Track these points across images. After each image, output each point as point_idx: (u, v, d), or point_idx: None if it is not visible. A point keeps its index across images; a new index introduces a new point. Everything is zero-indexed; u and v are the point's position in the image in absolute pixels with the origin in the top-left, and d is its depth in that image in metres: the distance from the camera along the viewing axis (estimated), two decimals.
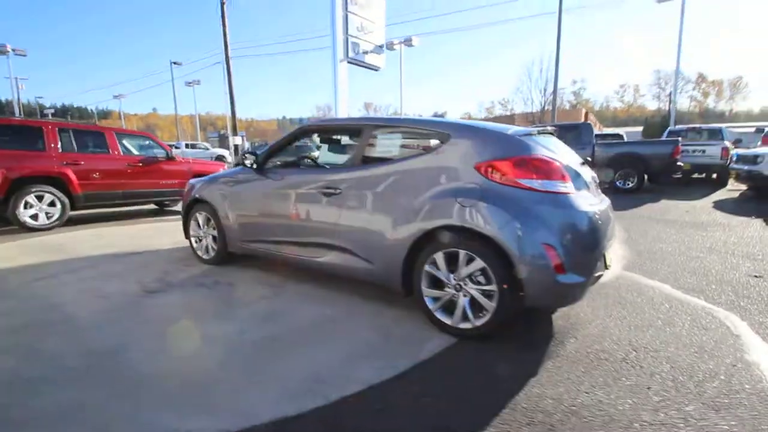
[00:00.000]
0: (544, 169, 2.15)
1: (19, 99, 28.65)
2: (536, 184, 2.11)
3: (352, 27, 16.56)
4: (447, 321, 2.29)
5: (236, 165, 4.70)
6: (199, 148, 26.51)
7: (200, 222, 3.78)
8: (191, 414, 1.63)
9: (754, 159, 7.44)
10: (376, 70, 18.56)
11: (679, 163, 8.89)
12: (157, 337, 2.33)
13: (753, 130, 13.69)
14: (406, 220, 2.38)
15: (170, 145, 7.94)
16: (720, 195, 8.60)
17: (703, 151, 9.65)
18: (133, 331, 2.39)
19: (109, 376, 1.91)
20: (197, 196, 3.77)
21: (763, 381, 1.84)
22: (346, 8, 16.31)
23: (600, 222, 2.20)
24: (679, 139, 9.20)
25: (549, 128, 2.66)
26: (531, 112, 29.32)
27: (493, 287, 2.11)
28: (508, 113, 38.96)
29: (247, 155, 3.21)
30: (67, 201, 5.70)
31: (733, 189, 9.33)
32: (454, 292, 2.26)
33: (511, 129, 2.38)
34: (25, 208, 5.35)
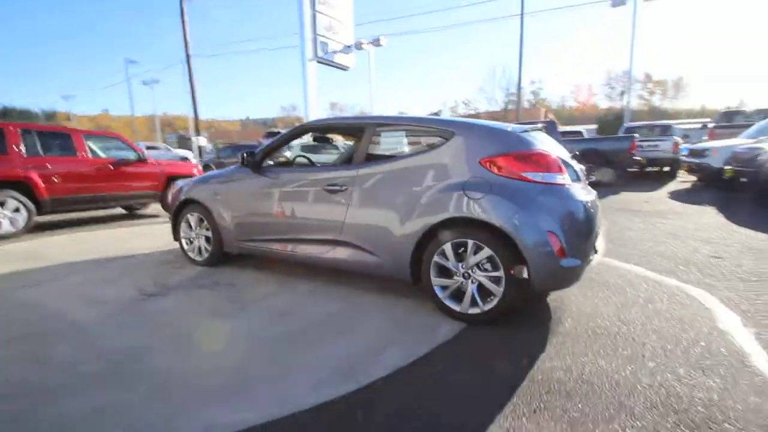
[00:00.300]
0: (544, 162, 2.33)
1: None
2: (538, 176, 2.29)
3: (321, 26, 16.57)
4: (456, 308, 2.43)
5: (205, 164, 4.64)
6: (160, 150, 25.41)
7: (192, 223, 3.72)
8: (231, 407, 1.67)
9: (702, 152, 8.15)
10: (346, 69, 18.65)
11: (636, 158, 9.56)
12: (172, 338, 2.32)
13: (699, 126, 14.89)
14: (414, 214, 2.50)
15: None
16: (673, 186, 9.34)
17: (656, 146, 10.42)
18: (144, 333, 2.37)
19: (133, 378, 1.91)
20: (188, 197, 3.71)
21: (735, 345, 2.11)
22: (314, 7, 16.27)
23: (592, 210, 2.42)
24: (636, 135, 9.90)
25: (539, 125, 2.86)
26: (495, 111, 30.27)
27: (500, 273, 2.27)
28: (472, 112, 40.08)
29: (245, 154, 3.21)
30: (33, 207, 5.38)
31: (684, 180, 10.15)
32: (462, 280, 2.40)
33: (510, 126, 2.56)
34: None
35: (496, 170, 2.34)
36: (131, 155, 6.63)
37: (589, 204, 2.42)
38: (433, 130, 2.67)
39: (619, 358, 2.00)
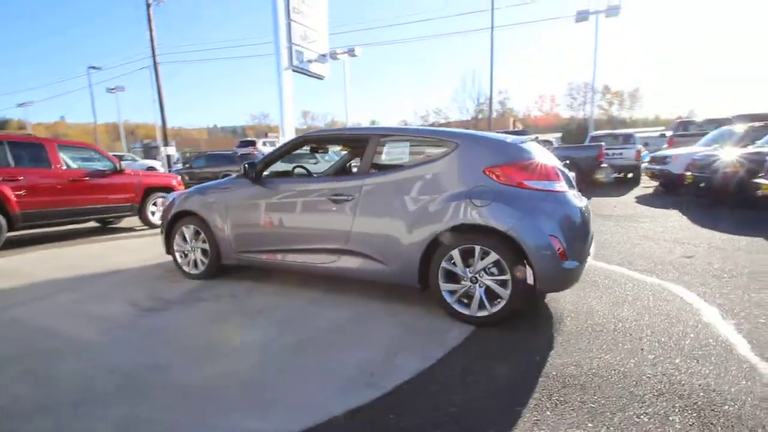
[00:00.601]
0: (543, 171, 2.49)
1: None
2: (538, 184, 2.45)
3: (296, 35, 16.50)
4: (465, 311, 2.53)
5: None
6: (126, 160, 24.41)
7: (187, 236, 3.66)
8: (260, 416, 1.69)
9: (663, 159, 8.74)
10: (321, 78, 18.62)
11: (603, 165, 10.11)
12: (183, 350, 2.29)
13: (657, 134, 15.92)
14: (422, 222, 2.60)
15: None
16: (637, 192, 9.92)
17: (621, 154, 11.06)
18: (152, 348, 2.33)
19: (153, 391, 1.88)
20: (183, 209, 3.65)
21: (720, 336, 2.31)
22: (289, 16, 16.26)
23: (587, 215, 2.60)
24: (603, 143, 10.48)
25: (532, 136, 3.04)
26: (466, 119, 31.10)
27: (507, 277, 2.39)
28: (443, 120, 40.96)
29: (245, 165, 3.21)
30: (3, 221, 5.10)
31: (647, 186, 10.80)
32: (470, 284, 2.51)
33: (509, 137, 2.71)
34: None
35: (499, 179, 2.48)
36: (107, 166, 6.40)
37: (584, 209, 2.59)
38: (437, 140, 2.79)
39: (621, 352, 2.15)
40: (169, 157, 22.62)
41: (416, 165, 2.75)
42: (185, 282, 3.60)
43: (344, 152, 4.47)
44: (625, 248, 4.42)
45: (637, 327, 2.46)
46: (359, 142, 3.18)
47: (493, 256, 2.41)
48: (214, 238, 3.47)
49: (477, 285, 2.49)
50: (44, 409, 1.75)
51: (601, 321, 2.56)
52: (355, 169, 4.89)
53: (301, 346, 2.33)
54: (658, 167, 8.93)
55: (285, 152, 3.33)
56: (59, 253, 5.02)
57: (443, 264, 2.56)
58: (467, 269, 2.51)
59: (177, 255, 3.76)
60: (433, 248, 2.59)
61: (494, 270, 2.45)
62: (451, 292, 2.58)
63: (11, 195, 5.16)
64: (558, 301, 2.90)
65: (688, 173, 7.40)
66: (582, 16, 15.99)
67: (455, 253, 2.52)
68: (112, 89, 27.35)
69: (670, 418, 1.62)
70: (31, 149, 5.56)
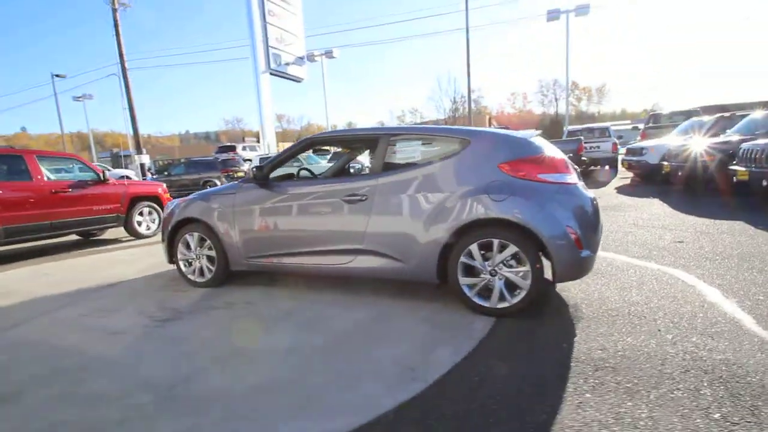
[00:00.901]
0: (555, 164, 2.59)
1: None
2: (552, 177, 2.54)
3: (272, 38, 16.41)
4: (485, 304, 2.59)
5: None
6: None
7: (191, 243, 3.59)
8: (313, 419, 1.70)
9: (640, 151, 9.12)
10: (299, 81, 18.56)
11: (583, 158, 10.46)
12: (214, 359, 2.26)
13: (630, 127, 16.59)
14: (439, 218, 2.64)
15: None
16: (616, 183, 10.30)
17: (598, 147, 11.48)
18: (180, 359, 2.28)
19: (195, 403, 1.85)
20: (186, 216, 3.58)
21: (727, 314, 2.46)
22: (264, 18, 16.09)
23: (597, 206, 2.71)
24: (582, 138, 10.84)
25: (538, 131, 3.14)
26: (443, 118, 31.47)
27: (526, 268, 2.47)
28: (419, 120, 41.37)
29: (253, 169, 3.18)
30: None
31: (624, 177, 11.23)
32: (489, 277, 2.57)
33: (519, 133, 2.79)
34: None
35: (515, 173, 2.55)
36: (91, 176, 6.18)
37: (594, 200, 2.70)
38: (448, 138, 2.84)
39: (641, 334, 2.26)
40: (142, 165, 21.91)
41: (429, 163, 2.79)
42: (191, 291, 3.53)
43: (335, 154, 4.47)
44: (618, 236, 4.60)
45: (648, 310, 2.58)
46: (369, 143, 3.20)
47: (512, 249, 2.49)
48: (222, 245, 3.42)
49: (496, 278, 2.56)
50: (88, 430, 1.70)
51: (614, 306, 2.67)
52: (352, 170, 4.90)
53: (333, 347, 2.33)
54: (635, 159, 9.31)
55: (292, 155, 3.31)
56: (48, 267, 4.82)
57: (462, 258, 2.61)
58: (486, 263, 2.57)
59: (181, 264, 3.68)
60: (451, 244, 2.64)
61: (513, 262, 2.52)
62: (470, 286, 2.64)
63: None
64: (569, 290, 3.00)
65: (666, 163, 7.75)
66: (553, 16, 16.49)
67: (474, 248, 2.57)
68: (79, 97, 26.25)
69: (701, 392, 1.72)
70: (10, 161, 5.32)
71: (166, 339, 2.57)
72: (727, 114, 8.34)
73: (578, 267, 2.51)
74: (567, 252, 2.43)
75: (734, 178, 5.71)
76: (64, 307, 3.26)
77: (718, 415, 1.58)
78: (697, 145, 6.97)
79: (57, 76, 24.02)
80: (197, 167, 13.64)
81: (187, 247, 3.63)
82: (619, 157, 11.60)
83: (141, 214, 6.79)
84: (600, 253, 3.91)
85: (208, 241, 3.49)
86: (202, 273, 3.59)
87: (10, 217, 5.10)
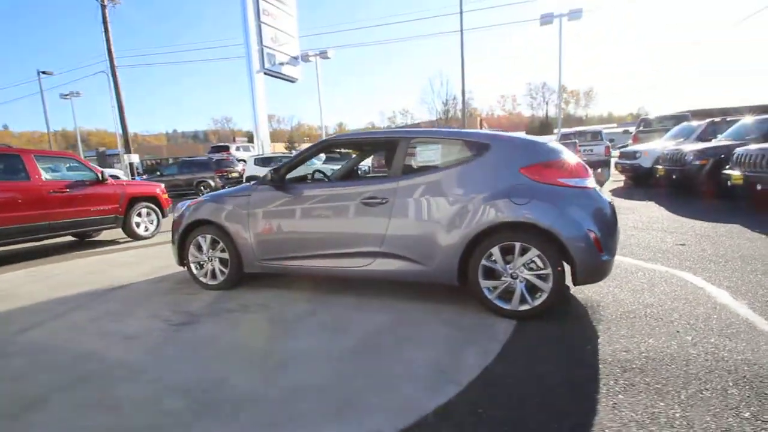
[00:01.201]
0: (575, 168, 2.64)
1: None
2: (572, 181, 2.58)
3: (266, 38, 16.32)
4: (506, 306, 2.63)
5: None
6: None
7: (204, 245, 3.55)
8: (355, 422, 1.70)
9: (633, 155, 9.31)
10: (294, 81, 18.47)
11: None
12: (240, 363, 2.24)
13: (621, 131, 16.91)
14: (460, 222, 2.67)
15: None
16: (609, 186, 10.49)
17: (591, 150, 11.68)
18: (206, 362, 2.26)
19: (233, 407, 1.84)
20: (198, 218, 3.54)
21: (740, 315, 2.54)
22: (259, 18, 15.99)
23: (615, 210, 2.76)
24: (576, 141, 11.01)
25: (554, 136, 3.19)
26: (435, 119, 31.63)
27: (548, 271, 2.51)
28: (410, 121, 41.53)
29: (270, 171, 3.16)
30: None
31: (617, 180, 11.45)
32: (510, 280, 2.61)
33: (537, 138, 2.84)
34: None
35: (536, 178, 2.59)
36: (89, 176, 6.05)
37: (612, 205, 2.76)
38: (468, 142, 2.87)
39: (661, 336, 2.32)
40: (131, 165, 21.55)
41: (450, 166, 2.82)
42: (203, 293, 3.49)
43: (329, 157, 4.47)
44: (622, 239, 4.67)
45: (664, 312, 2.64)
46: (387, 146, 3.21)
47: (534, 252, 2.52)
48: (236, 247, 3.39)
49: (517, 280, 2.60)
50: None
51: (630, 308, 2.73)
52: (360, 173, 4.90)
53: (361, 350, 2.34)
54: (628, 162, 9.50)
55: (308, 157, 3.31)
56: (47, 270, 4.71)
57: (483, 261, 2.64)
58: (507, 266, 2.60)
59: (192, 266, 3.63)
60: (472, 246, 2.67)
61: (534, 265, 2.56)
62: (491, 289, 2.67)
63: None
64: (584, 293, 3.05)
65: (659, 167, 7.93)
66: (546, 20, 16.74)
67: (495, 251, 2.61)
68: (66, 95, 25.66)
69: (729, 392, 1.77)
70: (7, 161, 5.18)
71: (186, 342, 2.54)
72: (717, 119, 8.57)
73: (598, 270, 2.56)
74: (588, 255, 2.47)
75: (728, 182, 5.88)
76: (72, 310, 3.19)
77: (748, 413, 1.63)
78: (690, 148, 7.15)
79: (44, 73, 23.45)
80: (191, 167, 13.46)
81: (199, 249, 3.59)
82: (612, 161, 11.83)
83: (139, 215, 6.68)
84: None
85: (221, 243, 3.46)
86: (213, 275, 3.56)
87: (6, 217, 4.97)
